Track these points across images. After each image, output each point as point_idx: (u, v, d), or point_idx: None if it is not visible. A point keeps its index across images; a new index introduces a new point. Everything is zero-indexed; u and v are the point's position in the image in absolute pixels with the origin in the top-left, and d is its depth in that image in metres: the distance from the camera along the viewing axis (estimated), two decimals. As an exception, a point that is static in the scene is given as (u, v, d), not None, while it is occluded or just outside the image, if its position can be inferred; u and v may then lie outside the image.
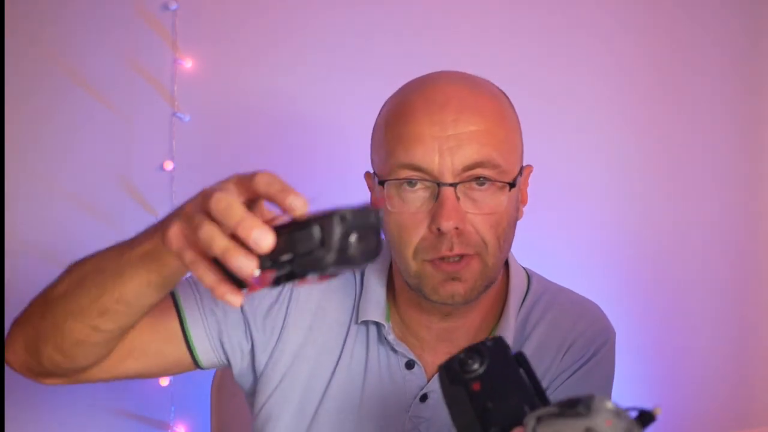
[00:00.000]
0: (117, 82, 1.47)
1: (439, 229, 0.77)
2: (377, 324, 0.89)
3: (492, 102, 0.84)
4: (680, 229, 1.82)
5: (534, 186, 1.69)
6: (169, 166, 1.48)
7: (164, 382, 1.48)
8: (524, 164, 0.89)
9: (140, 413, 1.49)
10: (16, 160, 1.43)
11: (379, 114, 0.87)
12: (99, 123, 1.47)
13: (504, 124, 0.83)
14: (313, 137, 1.56)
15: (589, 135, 1.75)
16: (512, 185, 0.81)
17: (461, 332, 0.88)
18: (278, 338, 0.89)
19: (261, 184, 0.53)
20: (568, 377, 0.88)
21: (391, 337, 0.87)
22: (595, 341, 0.90)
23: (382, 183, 0.80)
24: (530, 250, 1.64)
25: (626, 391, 1.76)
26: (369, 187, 0.90)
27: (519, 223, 1.67)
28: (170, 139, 1.50)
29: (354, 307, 0.91)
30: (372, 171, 0.88)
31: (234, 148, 1.55)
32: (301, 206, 0.51)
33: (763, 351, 1.89)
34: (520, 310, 0.91)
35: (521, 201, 0.88)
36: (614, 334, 0.94)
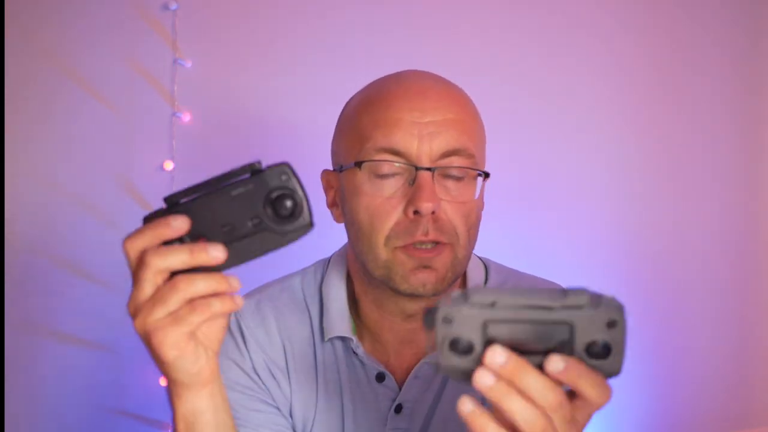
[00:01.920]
0: (117, 82, 1.47)
1: (415, 212, 0.76)
2: (343, 339, 0.87)
3: (465, 96, 0.84)
4: (680, 229, 1.82)
5: (535, 186, 1.71)
6: (169, 166, 1.48)
7: (164, 382, 1.48)
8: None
9: (140, 413, 1.49)
10: (16, 160, 1.43)
11: (348, 105, 0.86)
12: (99, 123, 1.47)
13: (476, 119, 0.83)
14: (313, 137, 1.56)
15: (589, 135, 1.75)
16: (487, 175, 0.81)
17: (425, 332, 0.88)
18: (277, 384, 0.89)
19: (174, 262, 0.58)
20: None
21: (360, 351, 0.85)
22: None
23: (359, 164, 0.78)
24: (531, 250, 1.65)
25: (627, 391, 1.76)
26: (325, 187, 0.88)
27: (519, 222, 1.69)
28: (170, 139, 1.50)
29: (311, 326, 0.89)
30: (332, 167, 0.86)
31: (234, 147, 1.55)
32: (220, 254, 0.57)
33: (762, 351, 1.90)
34: None
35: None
36: None
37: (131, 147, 1.49)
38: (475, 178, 0.80)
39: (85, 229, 1.46)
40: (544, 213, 1.71)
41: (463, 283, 0.90)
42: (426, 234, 0.77)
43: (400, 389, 0.86)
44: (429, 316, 0.49)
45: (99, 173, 1.47)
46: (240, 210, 0.57)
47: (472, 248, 0.84)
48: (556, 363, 0.48)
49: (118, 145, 1.48)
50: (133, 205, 1.49)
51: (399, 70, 0.86)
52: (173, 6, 1.47)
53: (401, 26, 1.62)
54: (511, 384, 0.48)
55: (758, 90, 1.88)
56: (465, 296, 0.47)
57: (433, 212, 0.76)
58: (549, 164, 1.72)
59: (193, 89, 1.50)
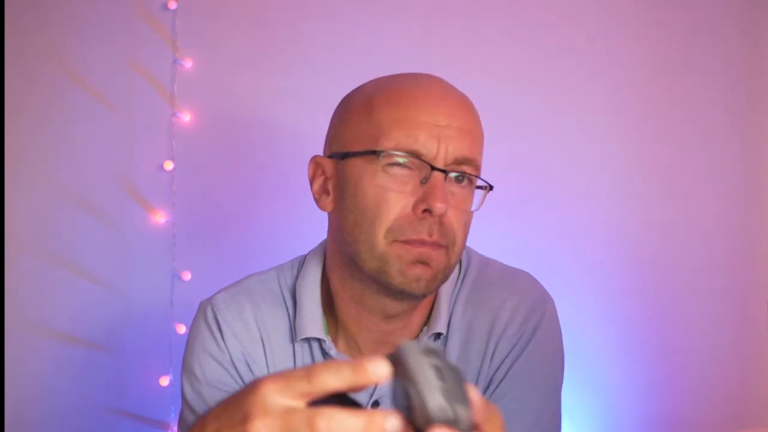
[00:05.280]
0: (117, 82, 1.47)
1: (426, 210, 0.76)
2: (318, 339, 0.86)
3: (475, 108, 0.84)
4: (680, 230, 1.82)
5: (535, 188, 1.71)
6: (169, 166, 1.48)
7: (164, 382, 1.48)
8: None
9: (140, 413, 1.49)
10: (16, 160, 1.43)
11: (359, 95, 0.84)
12: (99, 123, 1.47)
13: (482, 132, 0.84)
14: (313, 137, 1.56)
15: (590, 137, 1.75)
16: (491, 187, 0.83)
17: (401, 333, 0.86)
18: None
19: (328, 381, 0.44)
20: (510, 366, 0.85)
21: (333, 352, 0.85)
22: (530, 318, 0.86)
23: (377, 153, 0.77)
24: (530, 252, 1.65)
25: (627, 392, 1.76)
26: (313, 174, 0.86)
27: (520, 222, 1.68)
28: (170, 139, 1.50)
29: (290, 321, 0.88)
30: (323, 154, 0.85)
31: (234, 147, 1.55)
32: (385, 369, 0.44)
33: (762, 352, 1.90)
34: (452, 294, 0.89)
35: None
36: (551, 301, 0.90)
37: (131, 147, 1.49)
38: (473, 192, 0.82)
39: (85, 229, 1.46)
40: (544, 214, 1.71)
41: None
42: (431, 235, 0.77)
43: (375, 386, 0.84)
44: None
45: (99, 173, 1.47)
46: None
47: (460, 256, 0.84)
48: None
49: (118, 145, 1.48)
50: (133, 205, 1.49)
51: (410, 72, 0.85)
52: (173, 6, 1.47)
53: (402, 27, 1.62)
54: None
55: (758, 93, 1.88)
56: None
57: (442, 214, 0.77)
58: (549, 166, 1.72)
59: (193, 89, 1.50)
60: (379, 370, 0.43)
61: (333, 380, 0.43)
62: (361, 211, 0.79)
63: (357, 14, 1.60)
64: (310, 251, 0.92)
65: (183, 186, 1.49)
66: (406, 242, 0.77)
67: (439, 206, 0.75)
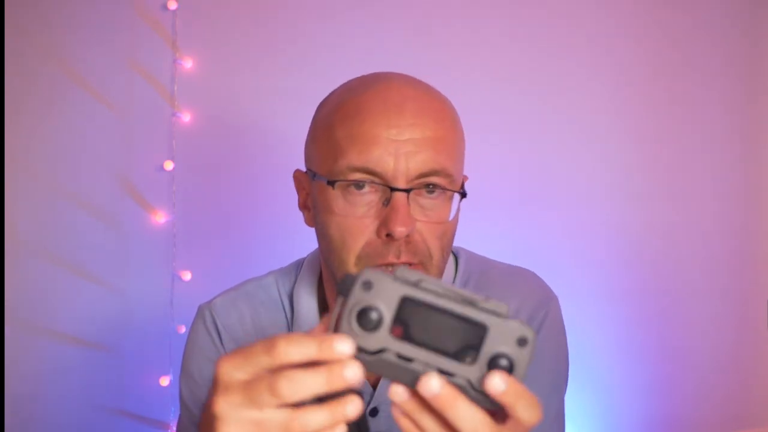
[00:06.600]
0: (117, 82, 1.47)
1: (388, 235, 0.73)
2: None
3: (445, 108, 0.78)
4: (680, 230, 1.82)
5: (535, 188, 1.71)
6: (169, 166, 1.48)
7: (164, 382, 1.48)
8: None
9: (140, 413, 1.49)
10: (16, 160, 1.43)
11: (322, 110, 0.81)
12: (99, 123, 1.47)
13: (456, 132, 0.78)
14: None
15: (590, 137, 1.75)
16: (463, 195, 0.78)
17: None
18: None
19: (290, 355, 0.43)
20: None
21: None
22: (534, 317, 0.84)
23: (331, 183, 0.74)
24: (531, 251, 1.65)
25: (627, 392, 1.76)
26: (297, 187, 0.85)
27: (520, 222, 1.68)
28: (170, 139, 1.50)
29: (288, 327, 0.87)
30: (305, 169, 0.82)
31: (234, 147, 1.55)
32: (349, 349, 0.43)
33: (761, 352, 1.89)
34: None
35: None
36: (555, 299, 0.88)
37: (131, 147, 1.49)
38: (451, 198, 0.77)
39: (85, 229, 1.46)
40: (544, 214, 1.71)
41: None
42: (398, 256, 0.74)
43: (374, 392, 0.83)
44: (347, 281, 0.44)
45: (99, 173, 1.47)
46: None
47: (445, 266, 0.80)
48: (497, 383, 0.44)
49: (118, 145, 1.48)
50: (133, 205, 1.49)
51: (377, 72, 0.81)
52: (173, 6, 1.47)
53: (401, 27, 1.62)
54: (439, 413, 0.45)
55: (758, 93, 1.88)
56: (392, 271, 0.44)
57: (407, 235, 0.73)
58: (549, 166, 1.72)
59: (193, 89, 1.50)
60: (345, 348, 0.42)
61: (295, 353, 0.42)
62: (330, 240, 0.77)
63: (357, 14, 1.60)
64: (307, 255, 0.91)
65: (183, 186, 1.49)
66: (378, 267, 0.74)
67: (399, 230, 0.71)
